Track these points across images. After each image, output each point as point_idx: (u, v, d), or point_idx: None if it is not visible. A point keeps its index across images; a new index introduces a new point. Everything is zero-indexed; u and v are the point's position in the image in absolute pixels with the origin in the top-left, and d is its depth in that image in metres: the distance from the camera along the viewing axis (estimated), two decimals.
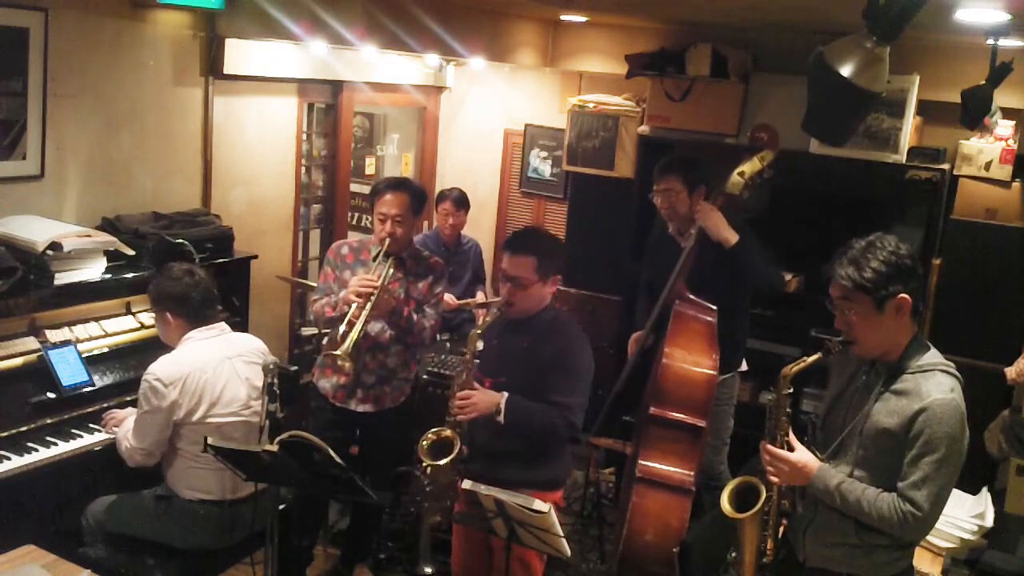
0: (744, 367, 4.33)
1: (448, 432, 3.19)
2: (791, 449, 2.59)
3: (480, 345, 3.33)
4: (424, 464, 3.16)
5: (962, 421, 2.41)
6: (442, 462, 3.12)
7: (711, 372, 3.72)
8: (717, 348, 3.77)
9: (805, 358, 2.60)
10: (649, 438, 3.72)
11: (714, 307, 3.86)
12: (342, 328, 3.57)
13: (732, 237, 3.85)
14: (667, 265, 4.03)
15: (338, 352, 3.49)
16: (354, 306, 3.58)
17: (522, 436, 3.17)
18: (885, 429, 2.45)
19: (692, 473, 3.64)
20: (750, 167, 3.91)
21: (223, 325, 3.33)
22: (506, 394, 3.17)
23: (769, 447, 2.62)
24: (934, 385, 2.42)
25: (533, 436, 3.18)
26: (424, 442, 3.20)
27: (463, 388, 3.21)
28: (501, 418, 3.14)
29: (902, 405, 2.44)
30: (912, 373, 2.46)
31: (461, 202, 5.39)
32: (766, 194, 5.07)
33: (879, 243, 2.46)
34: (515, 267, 3.19)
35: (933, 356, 2.50)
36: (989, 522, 3.43)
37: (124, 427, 3.27)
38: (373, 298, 3.56)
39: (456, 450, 3.15)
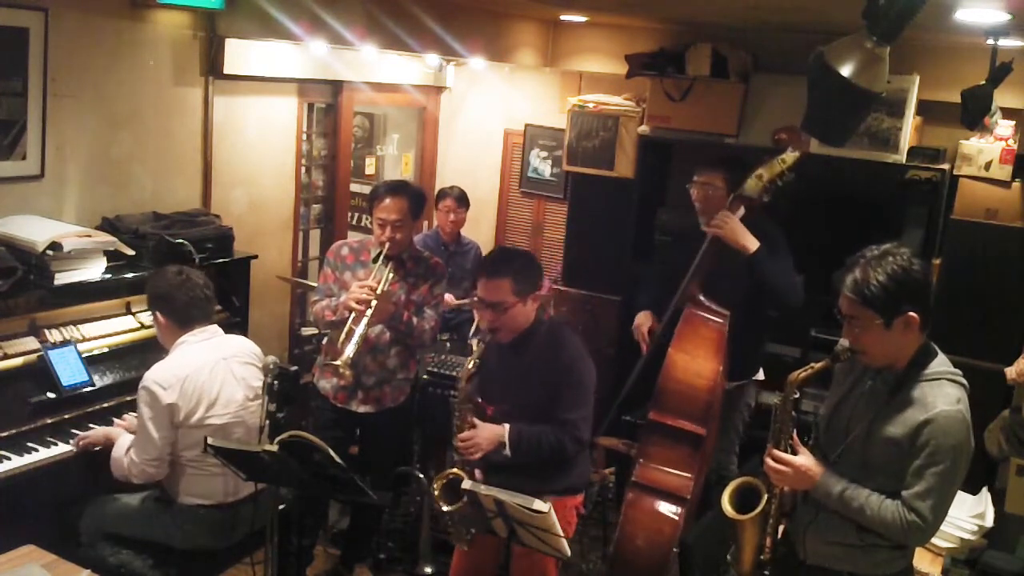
0: (761, 376, 4.20)
1: (455, 470, 3.17)
2: (795, 453, 2.59)
3: (473, 367, 3.22)
4: (444, 510, 3.14)
5: (967, 432, 2.41)
6: (456, 506, 3.09)
7: (713, 380, 3.62)
8: (724, 355, 3.66)
9: (813, 364, 2.59)
10: (648, 443, 3.68)
11: (727, 312, 3.73)
12: (341, 337, 3.57)
13: (752, 245, 3.70)
14: (684, 264, 3.88)
15: (338, 362, 3.50)
16: (353, 314, 3.58)
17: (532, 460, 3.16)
18: (890, 438, 2.45)
19: (690, 481, 3.59)
20: (769, 169, 3.72)
21: (215, 328, 3.30)
22: (507, 426, 3.15)
23: (775, 452, 2.61)
24: (941, 396, 2.41)
25: (543, 459, 3.17)
26: (435, 490, 3.15)
27: (462, 429, 3.18)
28: (508, 451, 3.13)
29: (908, 415, 2.43)
30: (919, 382, 2.45)
31: (462, 199, 5.39)
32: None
33: (890, 256, 2.40)
34: (491, 292, 3.13)
35: (940, 364, 2.48)
36: (989, 522, 3.43)
37: (119, 447, 3.19)
38: (372, 305, 3.57)
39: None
